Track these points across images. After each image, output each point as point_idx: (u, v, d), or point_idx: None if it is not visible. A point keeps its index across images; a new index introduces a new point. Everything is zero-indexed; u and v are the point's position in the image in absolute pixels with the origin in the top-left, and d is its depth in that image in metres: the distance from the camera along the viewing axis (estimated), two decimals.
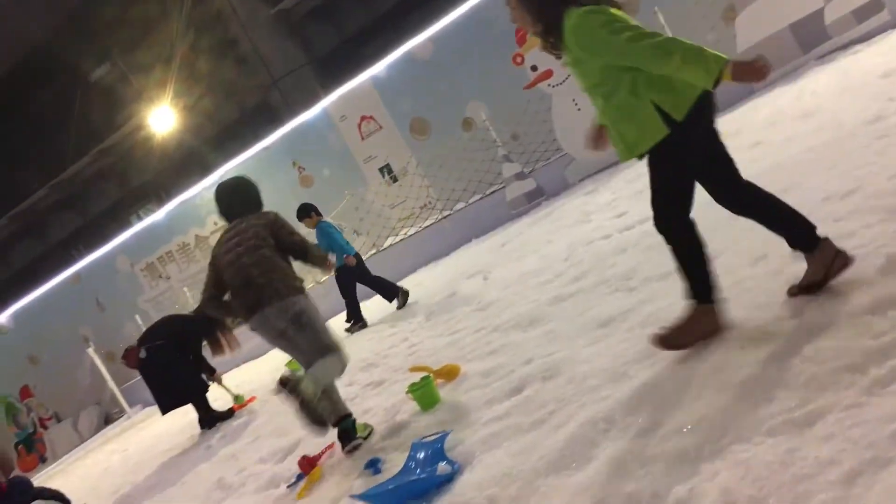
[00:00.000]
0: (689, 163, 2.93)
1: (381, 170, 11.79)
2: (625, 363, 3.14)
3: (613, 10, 2.90)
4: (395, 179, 11.67)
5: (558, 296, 4.84)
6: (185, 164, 15.91)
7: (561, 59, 3.09)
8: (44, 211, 18.42)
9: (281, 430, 5.56)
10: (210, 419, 7.30)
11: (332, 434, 4.59)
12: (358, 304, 8.30)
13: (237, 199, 4.49)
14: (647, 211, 5.74)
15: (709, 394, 2.57)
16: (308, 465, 4.12)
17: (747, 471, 2.09)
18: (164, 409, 7.66)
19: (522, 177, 10.13)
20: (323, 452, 4.29)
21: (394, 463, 3.54)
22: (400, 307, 7.90)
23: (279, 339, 4.19)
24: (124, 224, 15.80)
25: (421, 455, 3.28)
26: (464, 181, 10.61)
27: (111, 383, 13.15)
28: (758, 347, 2.71)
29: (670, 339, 2.98)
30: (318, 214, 8.13)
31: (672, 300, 3.19)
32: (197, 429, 7.42)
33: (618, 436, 2.64)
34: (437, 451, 3.24)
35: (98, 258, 14.37)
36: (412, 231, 11.05)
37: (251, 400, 7.50)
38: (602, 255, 5.23)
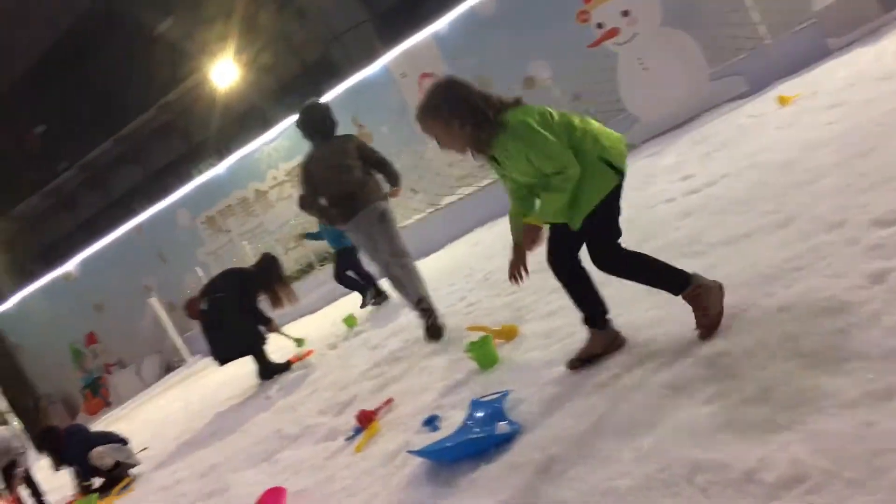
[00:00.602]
0: (619, 207, 3.25)
1: None
2: (692, 329, 3.06)
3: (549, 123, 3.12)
4: None
5: None
6: (245, 118, 16.02)
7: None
8: (108, 164, 18.84)
9: (338, 384, 5.61)
10: (268, 371, 7.42)
11: (389, 390, 4.66)
12: (370, 276, 8.65)
13: (321, 125, 5.75)
14: (714, 174, 5.62)
15: (781, 363, 2.50)
16: (366, 419, 4.16)
17: (820, 443, 2.03)
18: (222, 361, 7.81)
19: None
20: (380, 407, 4.32)
21: (452, 421, 3.55)
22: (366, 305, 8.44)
23: (368, 235, 5.52)
24: (185, 177, 16.03)
25: (480, 413, 3.28)
26: None
27: (172, 333, 13.49)
28: (833, 317, 2.62)
29: (710, 325, 3.02)
30: None
31: (743, 265, 3.10)
32: (255, 379, 7.56)
33: (683, 403, 2.59)
34: (496, 410, 3.23)
35: (160, 211, 14.64)
36: (470, 190, 10.97)
37: (308, 353, 7.60)
38: (666, 219, 5.10)
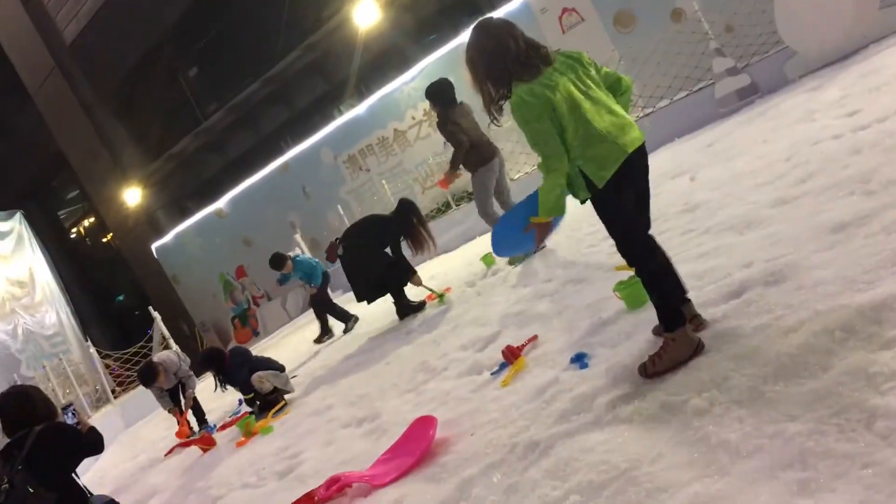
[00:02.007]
0: (618, 214, 3.12)
1: None
2: (865, 271, 2.87)
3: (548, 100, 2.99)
4: None
5: (780, 198, 4.48)
6: (385, 58, 16.10)
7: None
8: (256, 105, 19.44)
9: (480, 321, 5.65)
10: (404, 309, 7.57)
11: (533, 327, 4.66)
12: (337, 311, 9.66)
13: (451, 93, 7.49)
14: (886, 109, 5.20)
15: None
16: (512, 354, 4.18)
17: None
18: (359, 299, 8.04)
19: (735, 72, 9.42)
20: (526, 343, 4.33)
21: (600, 358, 3.52)
22: (346, 331, 9.23)
23: (497, 177, 7.36)
24: (328, 117, 16.37)
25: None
26: (669, 77, 10.02)
27: None
28: None
29: (654, 372, 3.02)
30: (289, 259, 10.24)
31: None
32: (394, 316, 7.74)
33: (858, 346, 2.44)
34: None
35: (305, 149, 15.09)
36: None
37: (446, 291, 7.68)
38: (832, 156, 4.76)
